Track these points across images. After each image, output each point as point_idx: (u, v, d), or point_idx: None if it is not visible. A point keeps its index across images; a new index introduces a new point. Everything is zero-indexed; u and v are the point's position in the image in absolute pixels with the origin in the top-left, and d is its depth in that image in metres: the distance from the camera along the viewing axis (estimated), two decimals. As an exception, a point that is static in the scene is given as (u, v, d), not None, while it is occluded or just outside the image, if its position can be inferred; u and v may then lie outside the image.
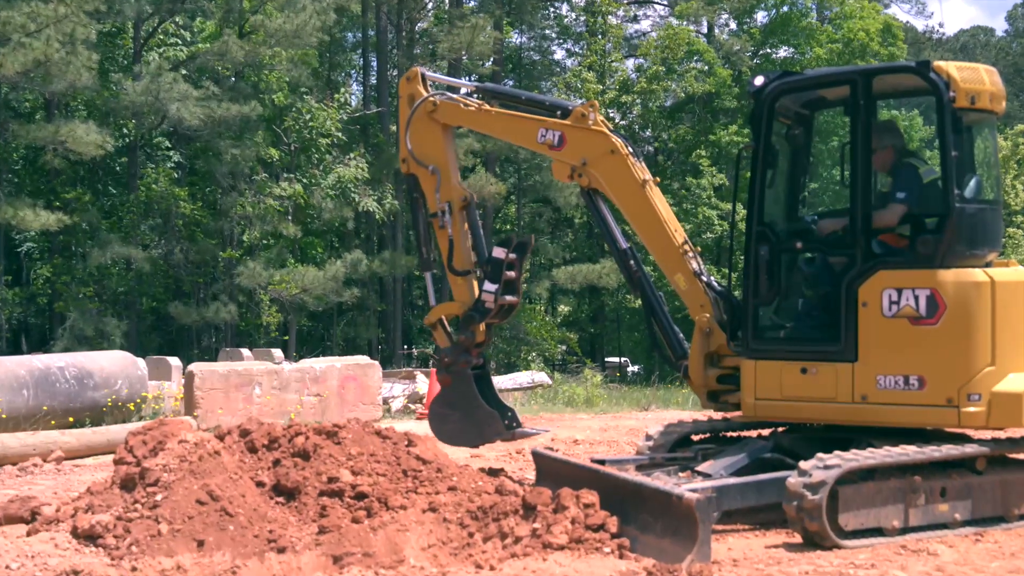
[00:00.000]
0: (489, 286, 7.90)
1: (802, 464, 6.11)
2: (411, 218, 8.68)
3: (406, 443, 6.28)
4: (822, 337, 6.83)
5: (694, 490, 5.72)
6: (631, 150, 7.62)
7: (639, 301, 7.87)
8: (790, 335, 7.09)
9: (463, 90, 8.45)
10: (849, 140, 6.88)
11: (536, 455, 6.91)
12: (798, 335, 7.06)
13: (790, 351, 6.92)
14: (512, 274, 7.99)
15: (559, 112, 7.87)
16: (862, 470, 6.13)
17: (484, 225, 32.69)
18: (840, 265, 6.81)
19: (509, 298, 8.02)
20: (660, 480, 6.22)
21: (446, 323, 8.33)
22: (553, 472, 6.56)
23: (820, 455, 6.13)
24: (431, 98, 8.18)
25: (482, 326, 8.04)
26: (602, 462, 6.72)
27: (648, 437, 7.77)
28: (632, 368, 36.39)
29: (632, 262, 7.67)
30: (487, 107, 8.16)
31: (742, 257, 7.34)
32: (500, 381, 18.05)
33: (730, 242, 7.58)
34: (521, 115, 8.07)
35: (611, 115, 34.10)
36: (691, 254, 7.45)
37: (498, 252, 7.91)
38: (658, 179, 7.76)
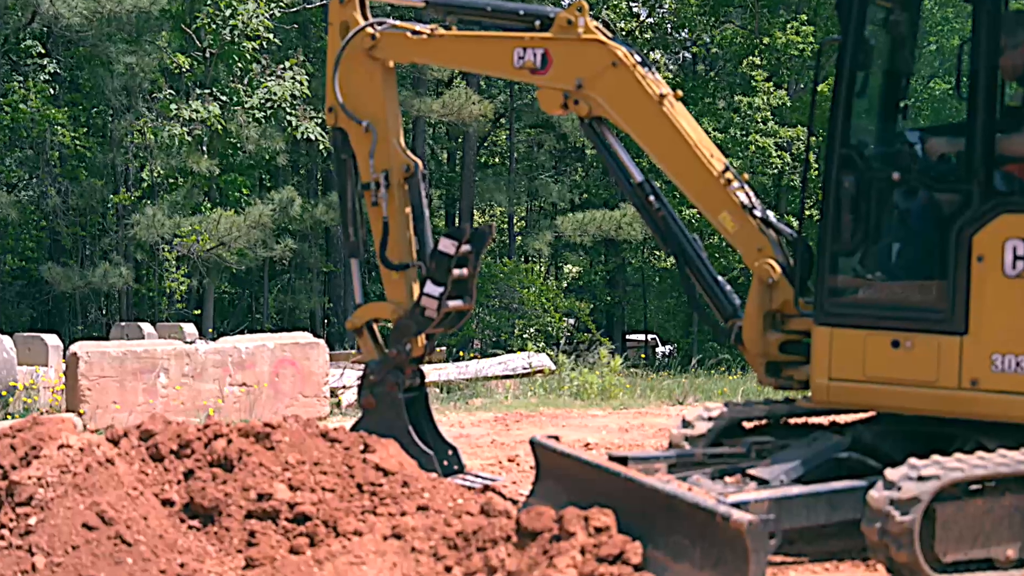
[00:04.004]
0: (432, 288, 7.91)
1: (888, 473, 6.08)
2: (337, 187, 8.64)
3: (361, 448, 6.29)
4: (921, 300, 6.81)
5: (745, 503, 5.71)
6: (639, 59, 7.56)
7: (670, 258, 7.84)
8: (879, 296, 7.05)
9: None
10: (970, 35, 6.78)
11: (537, 446, 6.86)
12: (890, 296, 7.01)
13: (878, 317, 6.87)
14: (464, 272, 8.02)
15: (537, 22, 7.80)
16: (968, 482, 6.11)
17: (466, 160, 33.08)
18: (950, 204, 6.74)
19: (456, 304, 8.04)
20: (700, 489, 6.21)
21: (376, 329, 8.36)
22: (558, 471, 6.55)
23: (912, 460, 6.09)
24: (368, 28, 8.12)
25: (420, 338, 8.07)
26: (623, 460, 6.70)
27: (685, 423, 7.75)
28: (662, 348, 36.53)
29: (652, 198, 7.64)
30: (442, 31, 8.09)
31: (816, 195, 7.29)
32: (487, 366, 18.11)
33: (803, 170, 7.55)
34: (488, 35, 8.02)
35: (635, 9, 33.96)
36: (736, 183, 7.41)
37: (446, 245, 7.90)
38: (679, 92, 7.70)
